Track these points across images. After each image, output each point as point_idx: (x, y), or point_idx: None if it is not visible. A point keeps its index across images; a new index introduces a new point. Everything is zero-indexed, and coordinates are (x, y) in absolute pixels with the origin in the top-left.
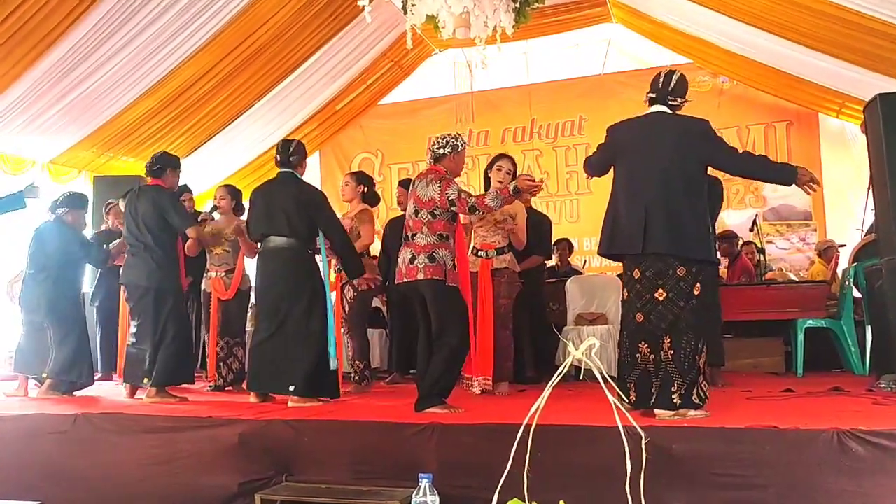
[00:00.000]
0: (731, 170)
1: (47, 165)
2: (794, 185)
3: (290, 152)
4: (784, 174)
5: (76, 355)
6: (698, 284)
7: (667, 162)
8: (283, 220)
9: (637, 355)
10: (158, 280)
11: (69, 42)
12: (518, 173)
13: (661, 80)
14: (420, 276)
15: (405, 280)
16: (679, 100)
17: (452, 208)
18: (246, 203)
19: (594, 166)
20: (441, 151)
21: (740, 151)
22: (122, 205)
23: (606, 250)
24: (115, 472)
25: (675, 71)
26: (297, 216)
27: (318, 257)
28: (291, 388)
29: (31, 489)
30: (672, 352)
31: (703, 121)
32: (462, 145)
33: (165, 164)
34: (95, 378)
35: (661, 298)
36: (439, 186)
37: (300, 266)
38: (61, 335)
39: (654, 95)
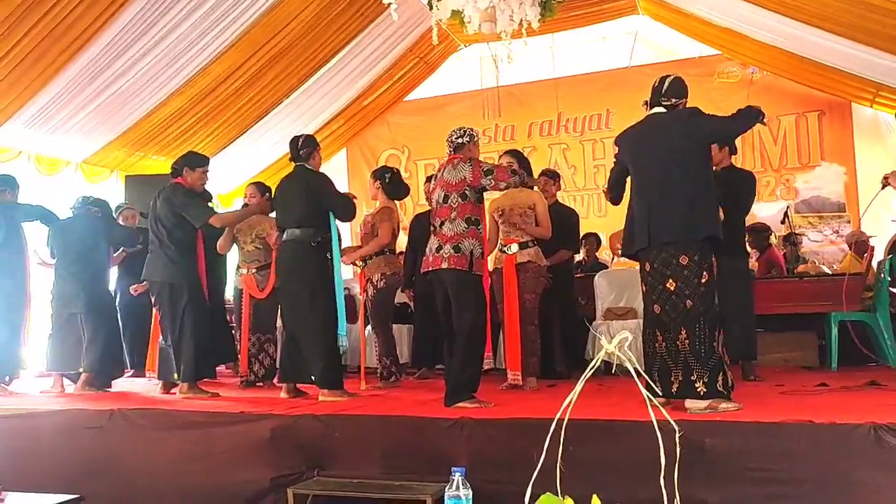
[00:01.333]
0: (719, 134)
1: (81, 165)
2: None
3: (300, 147)
4: (749, 118)
5: (109, 348)
6: (705, 273)
7: (664, 155)
8: (296, 211)
9: (655, 345)
10: (173, 275)
11: (100, 44)
12: (540, 168)
13: (656, 84)
14: (444, 266)
15: (430, 269)
16: (673, 100)
17: (488, 178)
18: None
19: (613, 186)
20: (460, 141)
21: (726, 117)
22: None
23: (626, 252)
24: (150, 467)
25: (669, 75)
26: (307, 204)
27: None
28: (312, 377)
29: (71, 483)
30: (688, 341)
31: (692, 107)
32: (477, 136)
33: (183, 164)
34: (127, 374)
35: (672, 289)
36: (470, 166)
37: (306, 257)
38: (94, 328)
39: (649, 100)
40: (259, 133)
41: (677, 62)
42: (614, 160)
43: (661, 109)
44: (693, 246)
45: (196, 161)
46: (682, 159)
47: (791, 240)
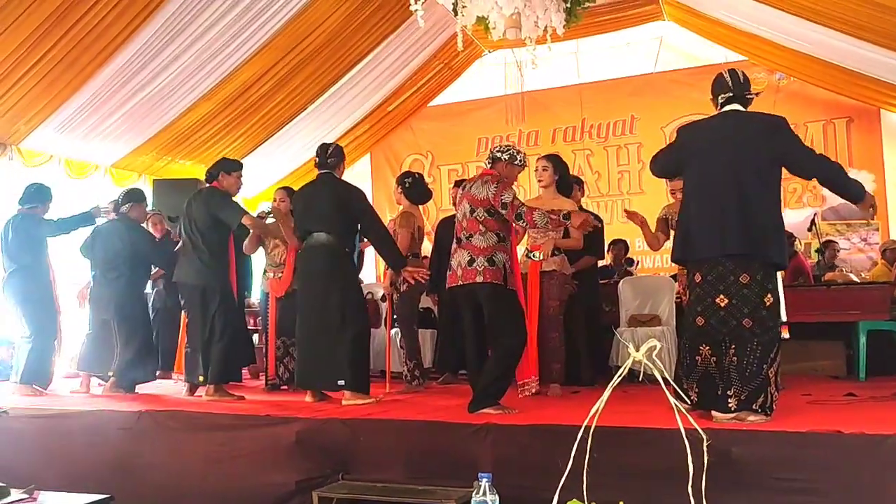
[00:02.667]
0: (805, 169)
1: (110, 169)
2: (857, 206)
3: (329, 155)
4: (857, 190)
5: (140, 355)
6: (769, 295)
7: (741, 160)
8: (323, 219)
9: (697, 357)
10: (205, 278)
11: (130, 50)
12: (567, 173)
13: (729, 78)
14: (479, 279)
15: (460, 283)
16: (751, 94)
17: (503, 211)
18: None
19: (662, 167)
20: (498, 155)
21: (817, 154)
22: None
23: (681, 256)
24: (178, 468)
25: (733, 69)
26: (335, 214)
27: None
28: (341, 382)
29: (101, 483)
30: (735, 359)
31: (780, 117)
32: (520, 160)
33: (219, 169)
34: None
35: (722, 304)
36: (495, 187)
37: (337, 262)
38: (127, 334)
39: (730, 94)
40: (285, 138)
41: (703, 68)
42: (672, 145)
43: (739, 107)
44: (756, 265)
45: (231, 166)
46: (762, 170)
47: (821, 250)
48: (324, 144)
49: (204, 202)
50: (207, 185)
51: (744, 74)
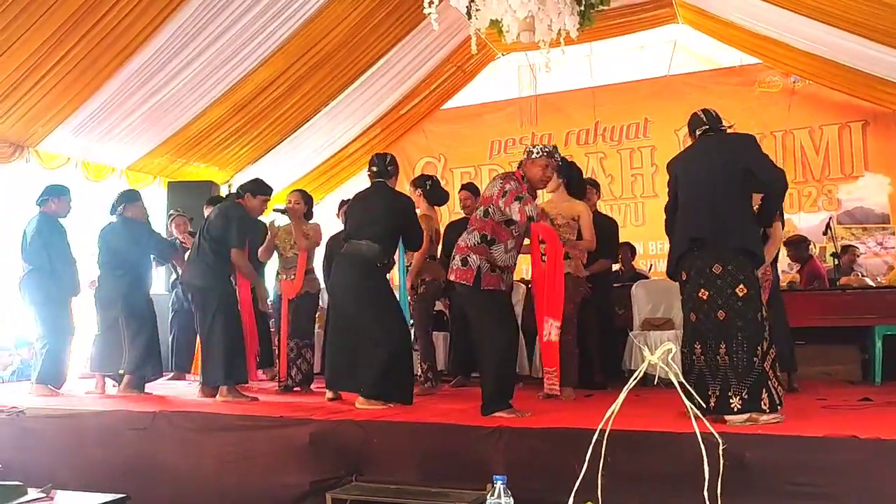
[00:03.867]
0: (764, 176)
1: (125, 172)
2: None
3: (388, 164)
4: (771, 217)
5: (147, 351)
6: (742, 285)
7: (715, 170)
8: (373, 226)
9: (693, 357)
10: (206, 280)
11: (146, 53)
12: (579, 176)
13: (703, 116)
14: (452, 277)
15: (447, 278)
16: (724, 126)
17: (502, 200)
18: (316, 209)
19: (671, 208)
20: (524, 156)
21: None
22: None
23: (669, 270)
24: (192, 469)
25: (706, 108)
26: (387, 222)
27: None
28: (361, 389)
29: (117, 483)
30: (727, 357)
31: (748, 134)
32: (536, 152)
33: (248, 188)
34: (167, 377)
35: (704, 298)
36: (500, 183)
37: (373, 271)
38: (134, 331)
39: (706, 127)
40: (299, 140)
41: (717, 71)
42: (669, 186)
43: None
44: (727, 255)
45: (260, 189)
46: (732, 179)
47: (836, 254)
48: (382, 154)
49: (224, 212)
50: (236, 199)
51: (715, 112)
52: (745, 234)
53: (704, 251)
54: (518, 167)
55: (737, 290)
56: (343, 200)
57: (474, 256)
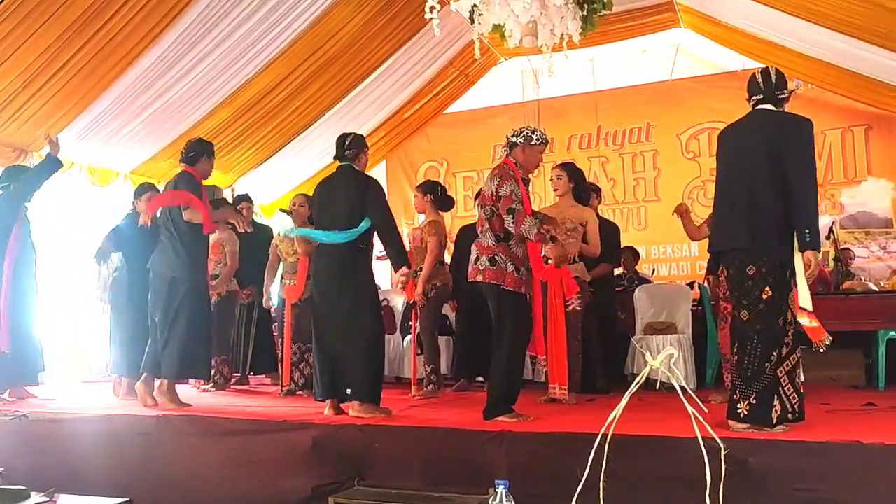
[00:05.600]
0: (791, 176)
1: (129, 176)
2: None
3: (346, 146)
4: (812, 237)
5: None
6: (768, 288)
7: (757, 157)
8: (342, 212)
9: (733, 355)
10: (174, 269)
11: (149, 58)
12: (584, 181)
13: (761, 79)
14: (479, 279)
15: (471, 279)
16: (785, 92)
17: (498, 203)
18: None
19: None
20: (514, 140)
21: (813, 176)
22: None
23: (711, 248)
24: (196, 473)
25: (766, 68)
26: (356, 204)
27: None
28: (348, 391)
29: (120, 487)
30: (737, 357)
31: (805, 119)
32: (538, 140)
33: (200, 152)
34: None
35: (735, 296)
36: (494, 185)
37: (349, 261)
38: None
39: (760, 96)
40: (302, 144)
41: (719, 75)
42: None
43: (771, 107)
44: (764, 258)
45: (203, 149)
46: (774, 166)
47: (838, 258)
48: (342, 135)
49: (176, 189)
50: (183, 167)
51: (777, 72)
52: (779, 244)
53: (742, 252)
54: (509, 152)
55: (762, 293)
56: None
57: (502, 256)
